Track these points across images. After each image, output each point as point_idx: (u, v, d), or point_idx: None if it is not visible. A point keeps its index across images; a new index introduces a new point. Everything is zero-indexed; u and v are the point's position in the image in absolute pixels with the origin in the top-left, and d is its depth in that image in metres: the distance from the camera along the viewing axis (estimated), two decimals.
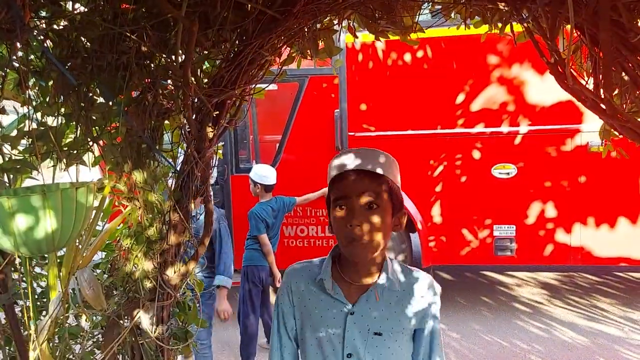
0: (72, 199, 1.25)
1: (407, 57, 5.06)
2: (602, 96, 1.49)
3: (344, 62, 4.81)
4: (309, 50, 1.89)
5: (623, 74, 1.51)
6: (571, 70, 1.45)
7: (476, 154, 5.05)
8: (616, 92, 1.73)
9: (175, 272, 1.98)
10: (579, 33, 1.55)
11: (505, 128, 4.98)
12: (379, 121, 5.17)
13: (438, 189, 5.18)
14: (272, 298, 4.73)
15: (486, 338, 4.85)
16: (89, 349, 2.18)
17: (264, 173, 4.33)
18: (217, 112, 1.73)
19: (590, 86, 1.56)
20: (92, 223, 1.73)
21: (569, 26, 1.53)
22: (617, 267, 5.16)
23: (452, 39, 4.94)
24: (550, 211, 5.00)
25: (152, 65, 1.72)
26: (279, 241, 4.84)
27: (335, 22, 1.88)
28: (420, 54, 5.05)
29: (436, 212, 5.23)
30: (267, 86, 1.90)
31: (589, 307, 5.55)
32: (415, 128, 5.11)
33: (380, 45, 5.07)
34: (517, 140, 4.96)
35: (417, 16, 1.91)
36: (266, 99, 5.53)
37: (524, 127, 4.95)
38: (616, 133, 1.72)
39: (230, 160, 4.94)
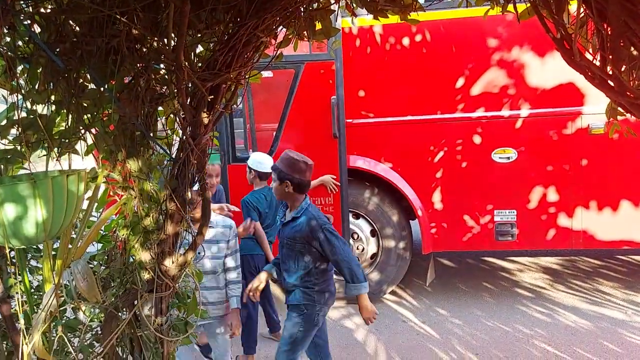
0: (63, 187, 1.20)
1: (406, 41, 4.98)
2: (610, 73, 1.43)
3: (341, 47, 4.73)
4: (305, 32, 1.83)
5: (632, 49, 1.46)
6: (580, 45, 1.40)
7: (476, 139, 4.99)
8: (623, 68, 1.68)
9: (173, 263, 1.94)
10: (585, 7, 1.49)
11: (505, 112, 4.92)
12: (378, 107, 5.10)
13: (438, 174, 5.14)
14: (271, 287, 4.70)
15: (488, 324, 4.83)
16: (88, 341, 2.14)
17: (260, 160, 4.28)
18: (212, 97, 1.68)
19: (597, 63, 1.51)
20: (86, 213, 1.68)
21: (575, 1, 1.48)
22: (619, 251, 5.12)
23: (451, 22, 4.87)
24: (552, 195, 4.95)
25: (144, 49, 1.67)
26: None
27: (333, 1, 1.81)
28: (418, 38, 4.97)
29: (436, 198, 5.18)
30: (263, 68, 1.84)
31: (592, 291, 5.53)
32: (415, 114, 5.05)
33: (377, 29, 5.00)
34: (518, 124, 4.90)
35: None
36: (262, 87, 5.47)
37: (524, 111, 4.89)
38: (623, 111, 1.67)
39: (227, 150, 4.88)
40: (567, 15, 1.70)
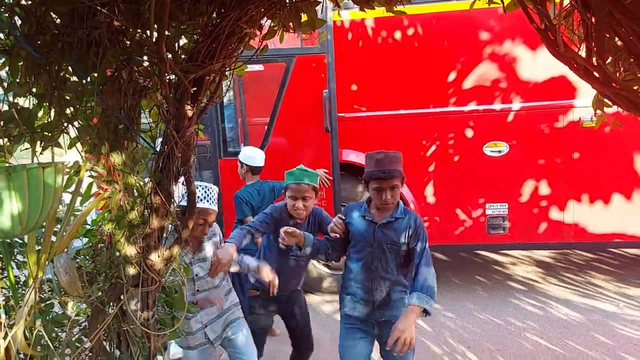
0: (39, 180, 1.18)
1: (398, 34, 4.96)
2: (595, 63, 1.43)
3: (332, 41, 4.71)
4: (291, 24, 1.81)
5: (616, 39, 1.45)
6: (564, 36, 1.39)
7: (468, 133, 4.99)
8: (609, 59, 1.67)
9: (159, 257, 1.92)
10: None
11: (497, 105, 4.91)
12: (370, 101, 5.09)
13: (430, 168, 5.13)
14: None
15: (481, 317, 4.84)
16: (76, 336, 2.13)
17: (251, 154, 4.25)
18: (196, 89, 1.66)
19: (583, 54, 1.50)
20: (69, 206, 1.66)
21: None
22: (611, 243, 5.13)
23: (444, 15, 4.85)
24: (543, 188, 4.96)
25: (126, 41, 1.65)
26: None
27: None
28: (410, 31, 4.95)
29: (429, 192, 5.18)
30: (248, 60, 1.82)
31: (584, 284, 5.54)
32: (407, 107, 5.04)
33: (369, 23, 4.98)
34: (509, 117, 4.90)
35: None
36: (253, 81, 5.45)
37: (515, 104, 4.88)
38: (609, 103, 1.66)
39: (218, 144, 4.86)
40: (553, 6, 1.69)
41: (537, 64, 4.75)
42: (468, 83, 4.93)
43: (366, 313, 2.74)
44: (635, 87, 1.56)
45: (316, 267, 5.41)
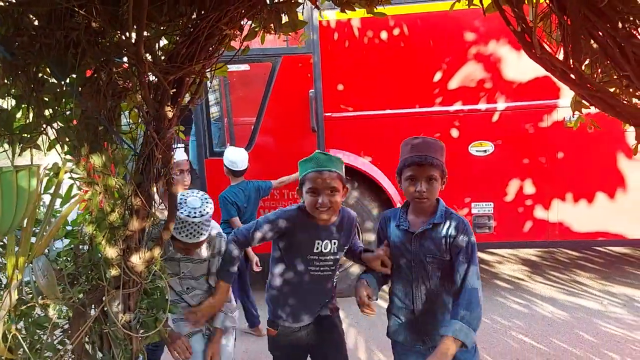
0: (12, 183, 1.17)
1: (384, 35, 4.97)
2: (572, 65, 1.44)
3: (319, 40, 4.71)
4: (272, 25, 1.81)
5: (592, 42, 1.47)
6: (539, 39, 1.40)
7: (454, 132, 5.01)
8: (587, 62, 1.69)
9: (140, 259, 1.92)
10: (547, 1, 1.50)
11: (482, 105, 4.94)
12: (356, 101, 5.09)
13: None
14: (249, 280, 4.69)
15: None
16: (59, 339, 2.12)
17: (233, 159, 4.26)
18: (176, 91, 1.66)
19: (561, 57, 1.52)
20: (49, 208, 1.65)
21: None
22: (595, 242, 5.19)
23: (429, 16, 4.87)
24: (528, 187, 4.99)
25: (105, 42, 1.64)
26: None
27: None
28: (396, 31, 4.96)
29: None
30: (229, 61, 1.82)
31: (569, 282, 5.59)
32: (393, 107, 5.05)
33: (356, 23, 4.98)
34: (494, 117, 4.92)
35: None
36: (239, 80, 5.44)
37: (500, 104, 4.91)
38: (587, 104, 1.68)
39: (204, 144, 4.84)
40: (532, 8, 1.71)
41: (522, 65, 4.78)
42: (454, 83, 4.95)
43: (410, 339, 2.31)
44: (611, 89, 1.58)
45: None
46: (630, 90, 1.54)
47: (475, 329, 2.01)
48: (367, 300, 2.23)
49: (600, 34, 1.40)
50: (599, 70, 1.64)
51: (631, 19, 1.35)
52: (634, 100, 1.53)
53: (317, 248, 2.38)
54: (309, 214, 2.36)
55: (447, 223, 2.18)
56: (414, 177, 2.17)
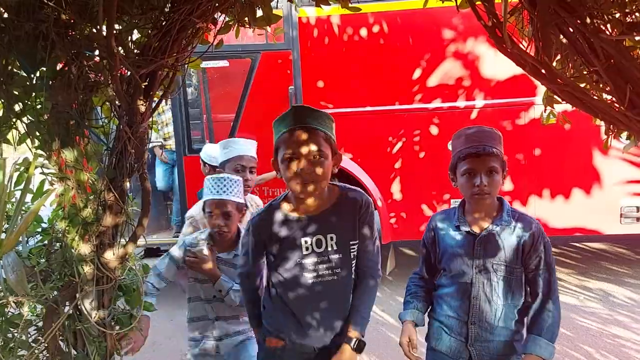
0: None
1: (364, 32, 4.99)
2: (542, 60, 1.46)
3: (298, 37, 4.70)
4: (246, 19, 1.80)
5: (562, 37, 1.48)
6: (510, 34, 1.41)
7: (434, 130, 5.04)
8: (558, 57, 1.71)
9: (114, 255, 1.90)
10: None
11: (461, 103, 4.98)
12: (336, 98, 5.10)
13: (397, 165, 5.17)
14: None
15: None
16: (33, 336, 2.09)
17: (212, 153, 4.22)
18: (148, 84, 1.64)
19: (532, 52, 1.53)
20: (19, 203, 1.63)
21: None
22: (572, 237, 5.26)
23: (409, 13, 4.89)
24: (506, 184, 5.04)
25: (76, 34, 1.62)
26: None
27: None
28: (376, 29, 4.98)
29: (396, 188, 5.22)
30: (202, 54, 1.81)
31: None
32: (373, 104, 5.07)
33: (335, 20, 4.98)
34: (473, 114, 4.97)
35: None
36: (219, 76, 5.41)
37: (479, 102, 4.96)
38: (559, 99, 1.70)
39: (183, 141, 4.81)
40: (504, 3, 1.72)
41: (500, 62, 4.81)
42: (433, 81, 4.98)
43: (456, 349, 2.03)
44: (581, 84, 1.60)
45: None
46: (600, 85, 1.56)
47: (554, 340, 1.88)
48: (411, 354, 1.99)
49: (570, 29, 1.42)
50: (570, 66, 1.66)
51: (599, 14, 1.37)
52: (604, 95, 1.55)
53: (307, 248, 1.87)
54: (285, 204, 1.92)
55: (518, 225, 1.94)
56: (472, 170, 1.91)
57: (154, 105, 1.76)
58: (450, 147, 2.11)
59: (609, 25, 1.40)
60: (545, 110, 2.09)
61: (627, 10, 1.35)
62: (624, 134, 1.76)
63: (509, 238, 1.92)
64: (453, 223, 2.03)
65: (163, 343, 4.36)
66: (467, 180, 1.93)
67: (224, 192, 2.43)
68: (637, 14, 1.36)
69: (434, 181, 5.14)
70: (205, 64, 4.31)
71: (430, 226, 2.13)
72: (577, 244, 6.64)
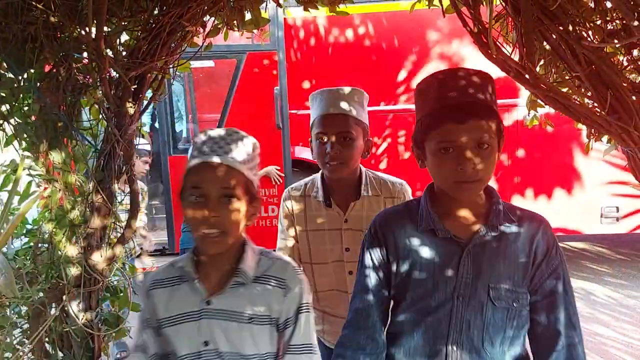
0: None
1: (350, 33, 5.01)
2: (525, 66, 1.49)
3: (284, 38, 4.71)
4: (235, 22, 1.81)
5: (545, 44, 1.52)
6: (495, 39, 1.44)
7: None
8: (542, 62, 1.75)
9: (102, 257, 1.90)
10: (503, 3, 1.54)
11: None
12: None
13: (382, 165, 5.20)
14: None
15: None
16: (18, 339, 2.08)
17: None
18: (137, 87, 1.65)
19: (517, 57, 1.56)
20: (6, 205, 1.63)
21: None
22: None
23: (395, 15, 4.92)
24: (490, 184, 5.09)
25: (65, 37, 1.62)
26: None
27: None
28: (362, 30, 5.01)
29: None
30: (192, 57, 1.81)
31: None
32: None
33: (321, 21, 5.00)
34: None
35: None
36: (204, 77, 5.40)
37: None
38: (542, 103, 1.74)
39: (168, 141, 4.79)
40: (489, 9, 1.75)
41: (484, 64, 4.87)
42: (418, 81, 5.02)
43: None
44: (564, 89, 1.64)
45: None
46: (582, 90, 1.60)
47: None
48: None
49: (553, 36, 1.45)
50: (553, 71, 1.70)
51: (581, 22, 1.40)
52: (585, 100, 1.59)
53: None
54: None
55: (523, 227, 1.29)
56: (452, 143, 1.21)
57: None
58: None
59: (590, 32, 1.43)
60: (528, 113, 2.13)
61: (607, 18, 1.39)
62: (605, 138, 1.80)
63: (513, 247, 1.26)
64: (420, 225, 1.31)
65: None
66: (441, 159, 1.23)
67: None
68: (617, 21, 1.40)
69: (417, 181, 5.18)
70: (191, 64, 4.32)
71: (376, 232, 1.36)
72: (560, 244, 6.72)
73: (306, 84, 5.10)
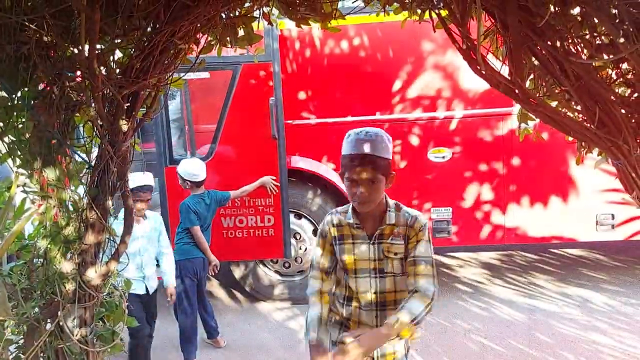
0: None
1: (344, 43, 5.04)
2: (514, 81, 1.51)
3: (279, 49, 4.74)
4: (228, 38, 1.83)
5: (533, 58, 1.54)
6: (483, 55, 1.46)
7: (413, 139, 5.11)
8: (531, 76, 1.77)
9: (96, 273, 1.90)
10: (492, 19, 1.56)
11: (440, 113, 5.05)
12: (318, 108, 5.14)
13: None
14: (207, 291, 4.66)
15: (428, 319, 4.92)
16: (14, 354, 2.08)
17: (192, 171, 4.25)
18: (130, 104, 1.66)
19: (507, 72, 1.58)
20: (0, 222, 1.63)
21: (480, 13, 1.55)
22: (550, 245, 5.36)
23: (389, 25, 4.94)
24: (485, 192, 5.12)
25: (58, 56, 1.63)
26: (218, 232, 4.76)
27: (255, 7, 1.82)
28: (357, 40, 5.04)
29: None
30: (183, 75, 1.83)
31: (527, 284, 5.73)
32: (354, 114, 5.11)
33: (316, 32, 5.03)
34: (452, 125, 5.05)
35: (338, 3, 1.88)
36: (200, 88, 5.41)
37: (458, 112, 5.03)
38: (532, 116, 1.75)
39: (164, 152, 4.80)
40: (479, 24, 1.77)
41: None
42: (413, 91, 5.05)
43: None
44: (553, 103, 1.65)
45: (267, 273, 5.40)
46: (572, 104, 1.61)
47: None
48: None
49: (541, 50, 1.47)
50: (543, 84, 1.72)
51: (569, 37, 1.42)
52: (575, 113, 1.61)
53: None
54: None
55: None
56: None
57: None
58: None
59: (578, 47, 1.45)
60: (519, 126, 2.15)
61: (595, 34, 1.40)
62: (596, 150, 1.82)
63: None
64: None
65: None
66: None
67: None
68: (603, 37, 1.41)
69: (413, 190, 5.20)
70: (186, 76, 4.34)
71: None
72: (556, 251, 6.75)
73: (302, 95, 5.12)
